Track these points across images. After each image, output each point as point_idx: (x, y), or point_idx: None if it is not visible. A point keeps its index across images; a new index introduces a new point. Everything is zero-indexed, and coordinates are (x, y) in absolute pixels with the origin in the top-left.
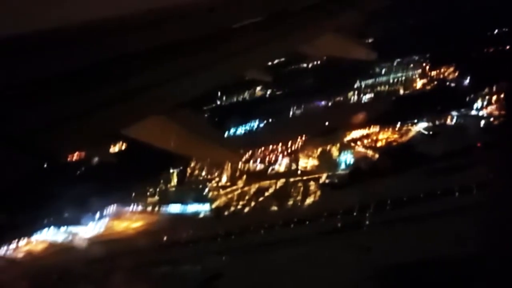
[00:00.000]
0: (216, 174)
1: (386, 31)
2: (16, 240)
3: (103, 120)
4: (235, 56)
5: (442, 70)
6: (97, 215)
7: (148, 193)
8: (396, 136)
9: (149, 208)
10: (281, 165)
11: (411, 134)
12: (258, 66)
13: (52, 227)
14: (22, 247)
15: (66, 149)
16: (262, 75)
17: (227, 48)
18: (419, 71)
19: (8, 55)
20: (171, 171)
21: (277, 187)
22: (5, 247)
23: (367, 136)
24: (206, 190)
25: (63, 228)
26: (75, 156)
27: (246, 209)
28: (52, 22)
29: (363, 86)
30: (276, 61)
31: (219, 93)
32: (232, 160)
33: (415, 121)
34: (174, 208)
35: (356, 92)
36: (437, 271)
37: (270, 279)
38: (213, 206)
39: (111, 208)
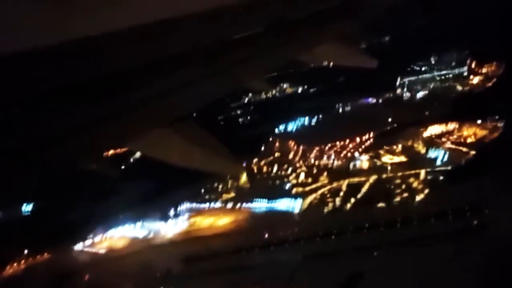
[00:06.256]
0: (289, 170)
1: (427, 28)
2: (91, 235)
3: (106, 134)
4: (237, 67)
5: (494, 67)
6: (172, 211)
7: (219, 189)
8: (485, 132)
9: (229, 205)
10: (362, 161)
11: (500, 130)
12: (260, 76)
13: (126, 223)
14: (100, 242)
15: (69, 162)
16: (263, 85)
17: (228, 59)
18: (466, 68)
19: (11, 70)
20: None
21: (371, 183)
22: (82, 243)
23: (450, 132)
24: (288, 186)
25: (138, 224)
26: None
27: (348, 206)
28: (53, 37)
29: (406, 82)
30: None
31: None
32: (235, 173)
33: (496, 117)
34: (259, 205)
35: (405, 89)
36: None
37: (421, 278)
38: (307, 202)
39: (185, 205)
